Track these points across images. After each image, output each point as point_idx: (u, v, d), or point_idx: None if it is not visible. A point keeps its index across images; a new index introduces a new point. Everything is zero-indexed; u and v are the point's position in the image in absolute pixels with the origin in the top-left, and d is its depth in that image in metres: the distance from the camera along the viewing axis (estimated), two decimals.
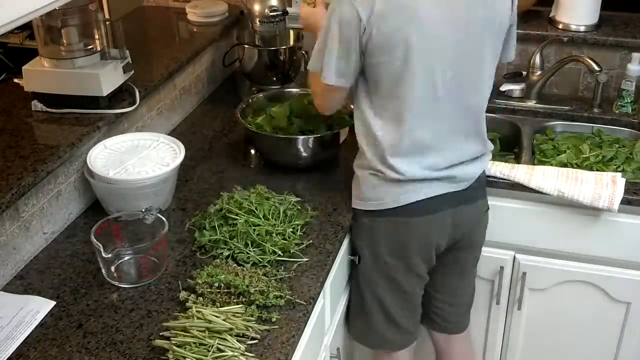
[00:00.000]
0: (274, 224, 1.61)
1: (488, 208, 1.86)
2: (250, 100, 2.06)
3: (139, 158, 1.72)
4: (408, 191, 1.65)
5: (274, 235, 1.57)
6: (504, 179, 1.93)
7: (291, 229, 1.61)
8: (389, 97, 1.59)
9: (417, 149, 1.63)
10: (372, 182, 1.68)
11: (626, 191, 1.87)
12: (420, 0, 1.50)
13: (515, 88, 2.35)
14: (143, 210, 1.55)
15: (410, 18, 1.49)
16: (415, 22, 1.49)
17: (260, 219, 1.60)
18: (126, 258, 1.52)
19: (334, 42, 1.54)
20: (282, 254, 1.55)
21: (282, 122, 1.95)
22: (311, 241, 1.61)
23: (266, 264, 1.53)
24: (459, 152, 1.67)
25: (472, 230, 1.81)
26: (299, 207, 1.70)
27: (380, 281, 1.76)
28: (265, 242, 1.55)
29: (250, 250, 1.54)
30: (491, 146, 1.78)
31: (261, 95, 2.11)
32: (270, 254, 1.54)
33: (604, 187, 1.87)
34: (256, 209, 1.63)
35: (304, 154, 1.90)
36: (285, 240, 1.58)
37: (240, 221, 1.58)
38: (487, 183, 1.84)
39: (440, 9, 1.52)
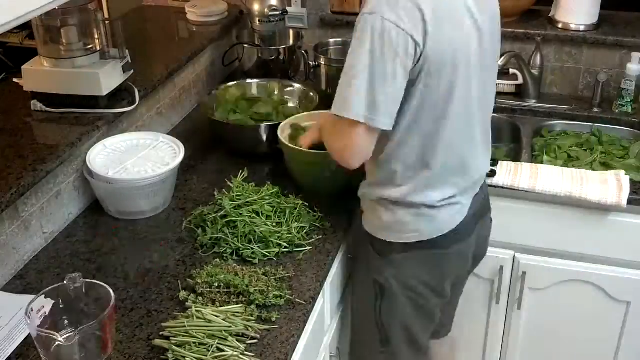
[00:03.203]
0: (278, 222, 1.61)
1: (491, 219, 1.80)
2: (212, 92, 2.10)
3: (138, 158, 1.72)
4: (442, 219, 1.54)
5: (278, 233, 1.58)
6: (508, 188, 1.93)
7: (296, 230, 1.60)
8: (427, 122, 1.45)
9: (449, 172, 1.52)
10: (400, 213, 1.54)
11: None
12: (459, 18, 1.40)
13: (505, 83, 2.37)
14: (66, 279, 1.29)
15: (456, 34, 1.40)
16: (462, 38, 1.41)
17: (262, 218, 1.60)
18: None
19: (383, 78, 1.34)
20: (288, 246, 1.56)
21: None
22: (311, 240, 1.61)
23: (273, 258, 1.53)
24: (480, 160, 1.61)
25: (487, 241, 1.78)
26: (307, 210, 1.68)
27: (411, 312, 1.64)
28: (270, 237, 1.55)
29: (254, 246, 1.54)
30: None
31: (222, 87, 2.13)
32: (276, 246, 1.55)
33: (610, 185, 1.87)
34: (259, 209, 1.62)
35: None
36: (290, 234, 1.58)
37: (242, 220, 1.58)
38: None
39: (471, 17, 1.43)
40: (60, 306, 1.29)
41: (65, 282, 1.29)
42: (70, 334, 1.19)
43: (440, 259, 1.58)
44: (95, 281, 1.32)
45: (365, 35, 1.33)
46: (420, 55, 1.35)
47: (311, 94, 2.09)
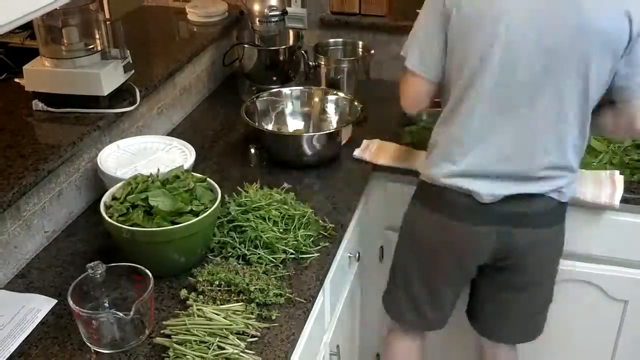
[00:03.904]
0: (286, 229, 1.61)
1: (560, 239, 1.73)
2: (254, 99, 2.08)
3: (149, 160, 1.73)
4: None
5: (285, 239, 1.58)
6: None
7: (302, 238, 1.59)
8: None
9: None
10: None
11: (623, 190, 1.87)
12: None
13: None
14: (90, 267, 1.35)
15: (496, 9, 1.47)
16: (503, 14, 1.46)
17: (269, 224, 1.60)
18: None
19: (421, 27, 1.60)
20: (294, 252, 1.56)
21: None
22: (317, 248, 1.61)
23: (279, 264, 1.53)
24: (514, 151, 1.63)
25: (523, 255, 1.69)
26: (317, 218, 1.67)
27: (413, 261, 1.78)
28: (276, 243, 1.55)
29: (260, 251, 1.54)
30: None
31: (265, 94, 2.12)
32: (282, 252, 1.55)
33: (604, 185, 1.88)
34: (266, 214, 1.62)
35: (308, 151, 1.91)
36: (296, 241, 1.58)
37: (248, 225, 1.58)
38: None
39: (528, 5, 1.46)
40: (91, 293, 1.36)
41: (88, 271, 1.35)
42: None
43: (435, 223, 1.68)
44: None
45: None
46: (449, 17, 1.52)
47: (355, 103, 2.06)
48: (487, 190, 1.59)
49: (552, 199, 1.62)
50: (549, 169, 1.58)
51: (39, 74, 1.76)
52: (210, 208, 1.46)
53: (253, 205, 1.63)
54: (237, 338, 1.30)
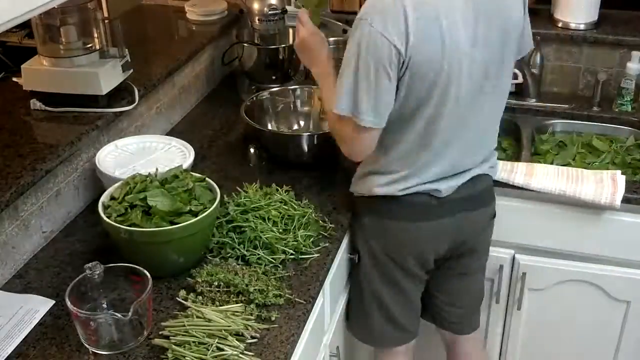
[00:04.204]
0: (285, 229, 1.60)
1: (495, 214, 1.82)
2: (254, 98, 2.06)
3: (148, 160, 1.72)
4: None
5: (284, 240, 1.57)
6: (504, 182, 1.93)
7: (302, 238, 1.59)
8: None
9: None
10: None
11: (625, 190, 1.87)
12: (447, 28, 1.43)
13: None
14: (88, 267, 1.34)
15: (441, 46, 1.44)
16: (447, 50, 1.44)
17: (268, 224, 1.59)
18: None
19: (369, 79, 1.44)
20: (294, 253, 1.55)
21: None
22: (318, 248, 1.60)
23: (279, 265, 1.52)
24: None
25: (475, 237, 1.78)
26: (316, 219, 1.67)
27: (378, 279, 1.76)
28: (276, 244, 1.54)
29: (260, 252, 1.53)
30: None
31: (265, 93, 2.11)
32: (281, 253, 1.54)
33: (605, 185, 1.87)
34: (266, 214, 1.61)
35: (308, 151, 1.90)
36: (296, 241, 1.57)
37: (247, 226, 1.57)
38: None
39: (465, 30, 1.46)
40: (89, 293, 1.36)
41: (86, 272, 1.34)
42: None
43: (395, 227, 1.68)
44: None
45: (359, 39, 1.44)
46: (402, 62, 1.43)
47: None
48: (446, 186, 1.64)
49: (488, 176, 1.74)
50: (488, 154, 1.72)
51: (37, 73, 1.76)
52: (209, 208, 1.46)
53: (252, 206, 1.62)
54: (236, 339, 1.29)
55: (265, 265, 1.51)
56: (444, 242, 1.72)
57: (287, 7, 2.33)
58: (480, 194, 1.73)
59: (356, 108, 1.47)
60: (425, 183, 1.62)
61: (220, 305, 1.38)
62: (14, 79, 1.84)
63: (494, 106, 1.64)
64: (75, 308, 1.26)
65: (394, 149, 1.59)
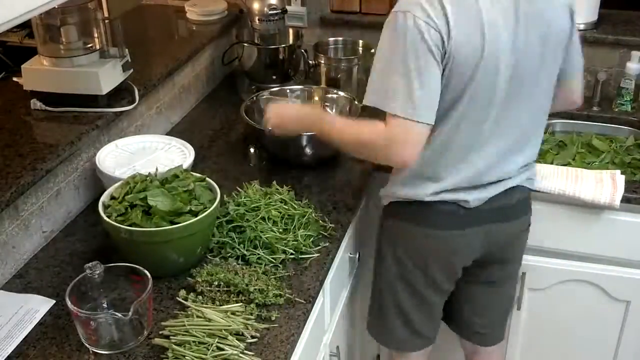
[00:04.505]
0: (285, 229, 1.60)
1: (529, 224, 1.77)
2: (254, 98, 2.06)
3: (148, 159, 1.72)
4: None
5: (284, 239, 1.57)
6: None
7: (302, 238, 1.58)
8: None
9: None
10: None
11: (625, 189, 1.87)
12: (488, 25, 1.41)
13: None
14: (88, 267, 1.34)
15: (480, 42, 1.42)
16: (486, 47, 1.42)
17: (268, 224, 1.59)
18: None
19: (419, 70, 1.40)
20: (294, 252, 1.55)
21: None
22: (318, 248, 1.60)
23: (279, 265, 1.52)
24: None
25: (505, 248, 1.74)
26: (317, 218, 1.66)
27: (400, 285, 1.72)
28: (276, 243, 1.54)
29: (260, 252, 1.53)
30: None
31: (265, 93, 2.11)
32: (281, 253, 1.54)
33: (605, 184, 1.87)
34: (266, 214, 1.61)
35: (308, 151, 1.90)
36: (296, 241, 1.57)
37: (247, 225, 1.57)
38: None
39: (506, 30, 1.44)
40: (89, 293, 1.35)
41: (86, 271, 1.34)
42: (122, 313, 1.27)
43: (421, 234, 1.64)
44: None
45: (396, 35, 1.41)
46: (445, 53, 1.40)
47: (356, 102, 2.02)
48: (475, 197, 1.60)
49: (525, 187, 1.69)
50: (525, 165, 1.65)
51: (37, 73, 1.76)
52: (209, 208, 1.46)
53: (252, 205, 1.62)
54: (237, 339, 1.29)
55: (265, 265, 1.51)
56: (471, 253, 1.67)
57: (287, 7, 2.33)
58: (514, 206, 1.67)
59: (412, 104, 1.41)
60: (453, 190, 1.58)
61: (221, 305, 1.38)
62: (15, 79, 1.84)
63: (532, 115, 1.58)
64: (75, 308, 1.26)
65: (423, 150, 1.51)
